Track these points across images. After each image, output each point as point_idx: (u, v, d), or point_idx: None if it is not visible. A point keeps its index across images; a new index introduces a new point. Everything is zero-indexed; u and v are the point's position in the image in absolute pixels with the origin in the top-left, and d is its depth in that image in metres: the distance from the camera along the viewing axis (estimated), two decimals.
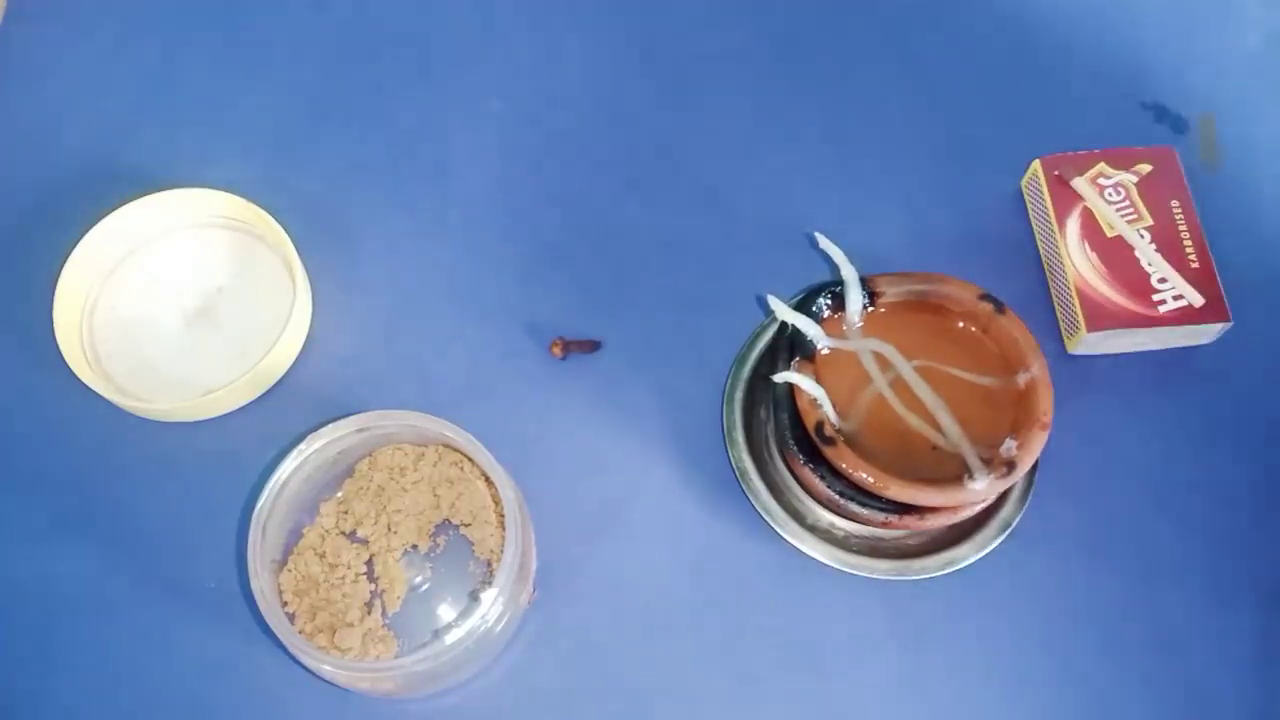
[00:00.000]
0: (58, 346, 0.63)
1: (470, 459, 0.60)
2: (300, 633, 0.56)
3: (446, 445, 0.61)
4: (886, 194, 0.71)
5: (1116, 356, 0.66)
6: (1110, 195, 0.67)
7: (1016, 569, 0.61)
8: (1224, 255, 0.65)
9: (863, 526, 0.60)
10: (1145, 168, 0.67)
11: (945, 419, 0.57)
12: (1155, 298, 0.64)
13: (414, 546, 0.59)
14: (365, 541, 0.59)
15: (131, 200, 0.66)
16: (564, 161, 0.72)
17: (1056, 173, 0.67)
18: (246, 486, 0.62)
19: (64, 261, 0.65)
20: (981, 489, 0.55)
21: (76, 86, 0.74)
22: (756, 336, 0.66)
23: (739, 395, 0.64)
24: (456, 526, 0.60)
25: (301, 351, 0.66)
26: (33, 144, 0.72)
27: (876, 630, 0.60)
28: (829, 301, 0.59)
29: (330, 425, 0.57)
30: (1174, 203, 0.66)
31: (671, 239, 0.69)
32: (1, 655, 0.60)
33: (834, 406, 0.57)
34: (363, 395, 0.65)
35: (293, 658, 0.55)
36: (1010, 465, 0.55)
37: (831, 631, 0.60)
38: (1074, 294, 0.64)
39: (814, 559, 0.60)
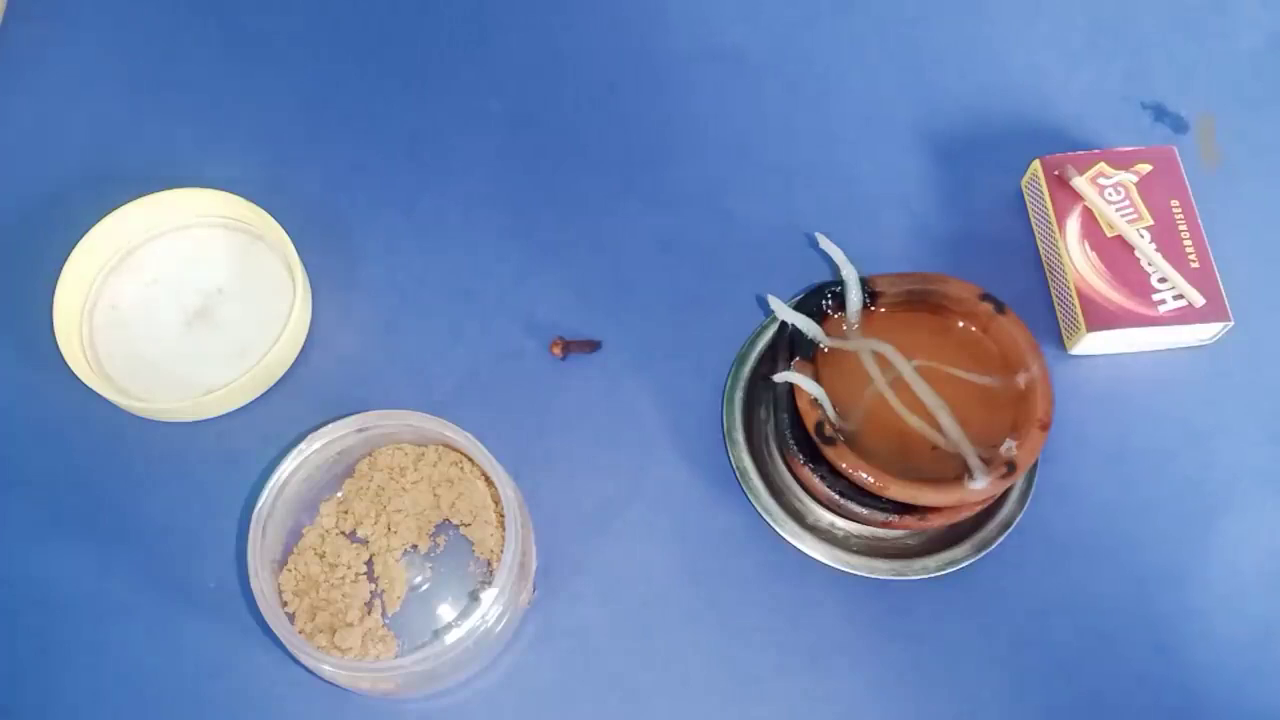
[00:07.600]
0: (58, 346, 0.63)
1: (470, 459, 0.60)
2: (300, 633, 0.56)
3: (446, 445, 0.61)
4: (886, 194, 0.71)
5: (1116, 356, 0.66)
6: (1110, 195, 0.67)
7: (1016, 569, 0.61)
8: (1224, 255, 0.65)
9: (863, 526, 0.60)
10: (1145, 168, 0.67)
11: (945, 419, 0.57)
12: (1155, 298, 0.64)
13: (414, 546, 0.59)
14: (365, 541, 0.59)
15: (131, 200, 0.66)
16: (564, 161, 0.72)
17: (1056, 173, 0.67)
18: (246, 486, 0.62)
19: (64, 262, 0.65)
20: (981, 489, 0.55)
21: (76, 86, 0.74)
22: (756, 336, 0.66)
23: (739, 395, 0.64)
24: (456, 526, 0.60)
25: (301, 351, 0.66)
26: (33, 144, 0.72)
27: (876, 630, 0.60)
28: (829, 301, 0.59)
29: (330, 425, 0.57)
30: (1174, 203, 0.66)
31: (671, 239, 0.69)
32: (1, 655, 0.60)
33: (834, 406, 0.57)
34: (363, 395, 0.65)
35: (293, 658, 0.55)
36: (1010, 465, 0.55)
37: (831, 631, 0.60)
38: (1074, 294, 0.64)
39: (814, 559, 0.60)
